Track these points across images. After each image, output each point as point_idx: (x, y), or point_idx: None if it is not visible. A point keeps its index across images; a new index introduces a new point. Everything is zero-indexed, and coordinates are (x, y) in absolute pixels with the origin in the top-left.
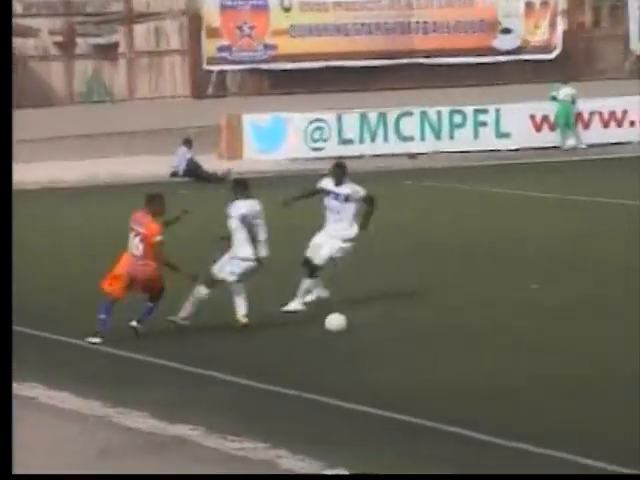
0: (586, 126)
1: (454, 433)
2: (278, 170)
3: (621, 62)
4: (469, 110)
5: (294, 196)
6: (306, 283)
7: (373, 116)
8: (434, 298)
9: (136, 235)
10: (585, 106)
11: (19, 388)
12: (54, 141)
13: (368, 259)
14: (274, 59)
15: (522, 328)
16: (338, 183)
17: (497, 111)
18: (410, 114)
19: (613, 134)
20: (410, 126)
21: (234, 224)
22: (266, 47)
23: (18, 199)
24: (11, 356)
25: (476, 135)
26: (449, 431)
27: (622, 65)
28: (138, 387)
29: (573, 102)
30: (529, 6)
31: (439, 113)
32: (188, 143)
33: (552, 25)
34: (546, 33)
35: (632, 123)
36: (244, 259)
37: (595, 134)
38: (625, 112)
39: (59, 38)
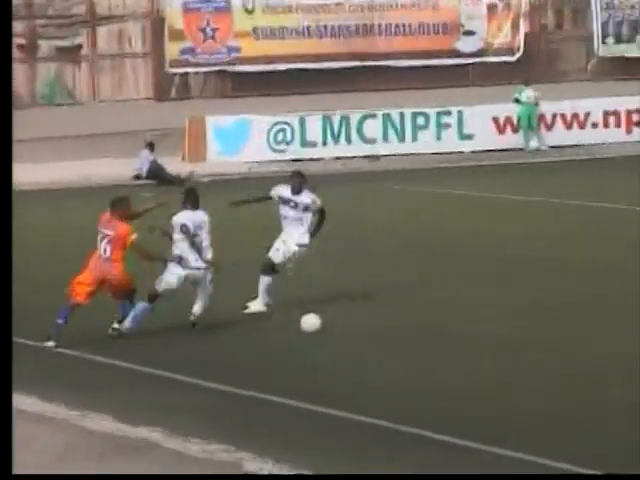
0: (549, 128)
1: (427, 437)
2: (241, 172)
3: (584, 64)
4: (432, 112)
5: (243, 199)
6: (265, 283)
7: (336, 118)
8: (404, 298)
9: (103, 237)
10: (548, 108)
11: None
12: (15, 144)
13: (335, 260)
14: (237, 61)
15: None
16: (297, 192)
17: (460, 113)
18: (373, 116)
19: (576, 136)
20: (373, 128)
21: (176, 235)
22: (229, 49)
23: None
24: (11, 358)
25: (439, 137)
26: (423, 435)
27: (585, 67)
28: (100, 390)
29: (536, 104)
30: (491, 9)
31: (402, 115)
32: (151, 146)
33: (514, 27)
34: (509, 35)
35: (594, 125)
36: (190, 268)
37: (558, 136)
38: (588, 114)
39: (21, 40)
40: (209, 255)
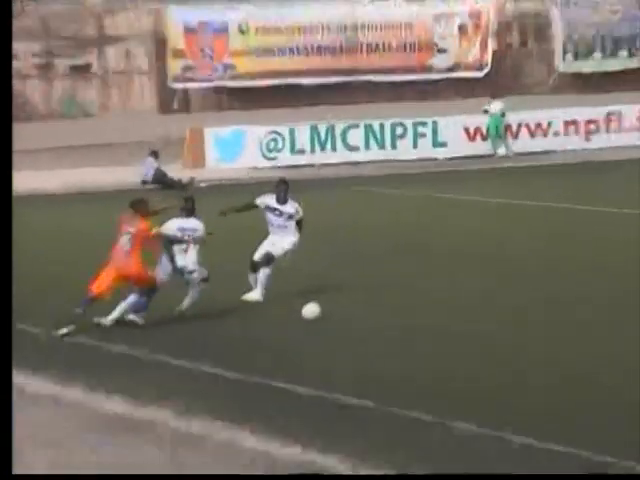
0: (515, 136)
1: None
2: (237, 177)
3: (545, 78)
4: (409, 122)
5: (230, 207)
6: (265, 274)
7: (322, 128)
8: (387, 295)
9: (125, 234)
10: (513, 118)
11: None
12: (33, 153)
13: (324, 256)
14: (233, 77)
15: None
16: (282, 201)
17: (435, 123)
18: (356, 126)
19: (539, 143)
20: (356, 137)
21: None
22: (225, 67)
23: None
24: (11, 357)
25: (415, 145)
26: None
27: (546, 81)
28: (113, 374)
29: (503, 115)
30: (462, 28)
31: (382, 125)
32: (155, 154)
33: (483, 45)
34: (478, 53)
35: (556, 133)
36: (180, 268)
37: (523, 143)
38: (550, 124)
39: (38, 60)
40: (192, 260)
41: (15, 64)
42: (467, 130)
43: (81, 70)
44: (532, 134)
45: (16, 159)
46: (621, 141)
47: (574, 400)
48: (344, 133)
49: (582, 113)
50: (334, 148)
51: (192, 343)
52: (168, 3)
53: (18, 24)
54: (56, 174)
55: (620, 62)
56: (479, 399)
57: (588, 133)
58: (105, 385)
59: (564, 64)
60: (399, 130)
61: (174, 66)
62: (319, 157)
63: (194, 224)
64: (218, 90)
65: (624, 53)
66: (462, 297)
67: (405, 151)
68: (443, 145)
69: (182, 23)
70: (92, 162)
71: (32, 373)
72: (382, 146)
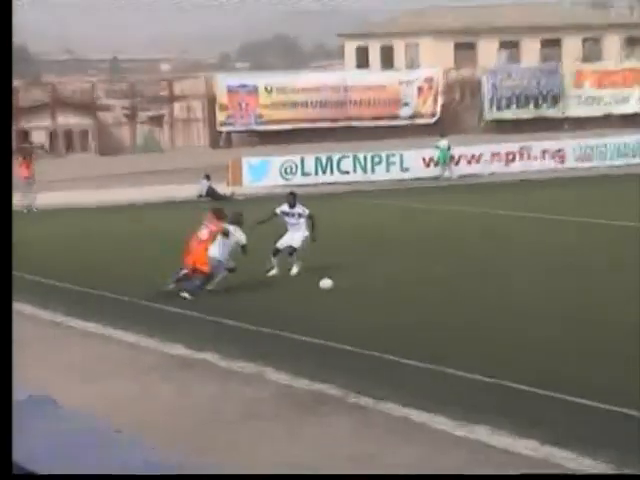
0: (456, 163)
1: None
2: (263, 193)
3: (477, 123)
4: (384, 154)
5: (258, 221)
6: (295, 258)
7: (323, 158)
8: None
9: (205, 228)
10: (456, 151)
11: (102, 328)
12: (122, 176)
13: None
14: (261, 124)
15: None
16: (292, 206)
17: (401, 155)
18: (347, 157)
19: (473, 169)
20: (347, 164)
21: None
22: (256, 116)
23: (107, 212)
24: (11, 358)
25: (388, 170)
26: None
27: (478, 125)
28: (178, 328)
29: (448, 149)
30: (420, 89)
31: (365, 157)
32: (207, 177)
33: (435, 101)
34: (431, 106)
35: (485, 161)
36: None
37: (462, 168)
38: (480, 154)
39: (127, 111)
40: (231, 264)
41: (111, 114)
42: (424, 159)
43: (156, 119)
44: (468, 162)
45: (110, 180)
46: (530, 167)
47: None
48: (339, 162)
49: (503, 147)
50: (332, 172)
51: (234, 307)
52: (216, 72)
53: (115, 87)
54: (138, 190)
55: (529, 112)
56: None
57: (507, 161)
58: (171, 336)
59: (490, 113)
60: (376, 159)
61: (220, 116)
62: (321, 178)
63: (239, 232)
64: (251, 133)
65: (531, 106)
66: (421, 275)
67: (381, 174)
68: (407, 170)
69: (226, 86)
70: (164, 182)
71: (125, 329)
72: (365, 171)
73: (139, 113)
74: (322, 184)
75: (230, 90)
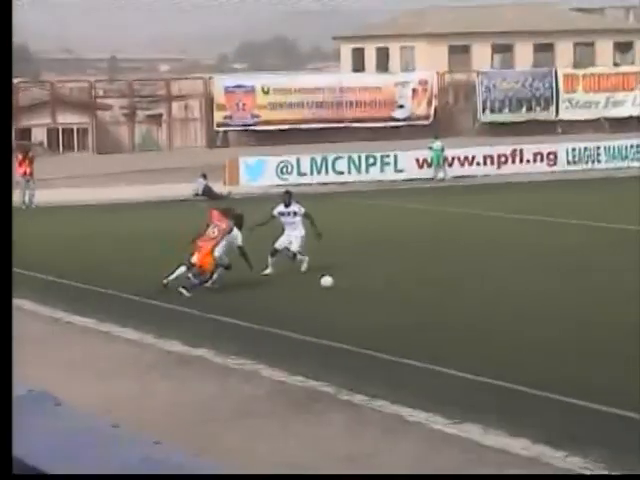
0: (450, 165)
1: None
2: (260, 192)
3: (471, 126)
4: (378, 155)
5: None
6: (301, 256)
7: (319, 158)
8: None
9: (215, 226)
10: (449, 153)
11: (100, 324)
12: (120, 174)
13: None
14: (258, 124)
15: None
16: (287, 205)
17: (396, 156)
18: (342, 157)
19: (466, 170)
20: (342, 165)
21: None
22: (253, 116)
23: (104, 210)
24: (11, 358)
25: (382, 170)
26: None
27: (472, 128)
28: (175, 325)
29: (442, 150)
30: (415, 91)
31: (359, 157)
32: (204, 176)
33: (429, 103)
34: (425, 108)
35: (478, 163)
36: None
37: (455, 170)
38: (474, 157)
39: (126, 111)
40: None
41: (110, 114)
42: (418, 160)
43: (154, 118)
44: (462, 164)
45: (108, 178)
46: (522, 169)
47: None
48: (333, 162)
49: (495, 150)
50: (327, 172)
51: (231, 304)
52: (214, 73)
53: (113, 87)
54: (135, 189)
55: (521, 116)
56: None
57: (499, 163)
58: (169, 333)
59: (483, 116)
60: (371, 160)
61: (218, 116)
62: (316, 178)
63: (236, 232)
64: (248, 132)
65: (524, 109)
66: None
67: (375, 175)
68: (401, 171)
69: (223, 86)
70: (161, 180)
71: (122, 326)
72: (359, 171)
73: (137, 112)
74: (317, 184)
75: (228, 90)
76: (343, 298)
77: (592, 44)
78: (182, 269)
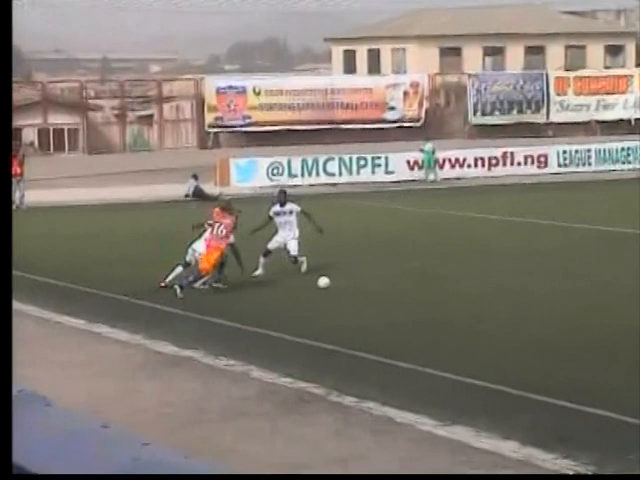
0: (441, 167)
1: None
2: (251, 193)
3: (462, 128)
4: (369, 157)
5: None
6: (302, 259)
7: (310, 160)
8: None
9: (220, 225)
10: (440, 155)
11: (90, 325)
12: (112, 175)
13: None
14: (249, 125)
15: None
16: (282, 204)
17: (387, 157)
18: (333, 159)
19: (457, 172)
20: (333, 166)
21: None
22: (244, 117)
23: (95, 211)
24: (11, 358)
25: (373, 172)
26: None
27: (463, 130)
28: (164, 326)
29: (433, 152)
30: (406, 93)
31: (350, 158)
32: (195, 176)
33: (420, 105)
34: (416, 110)
35: (469, 165)
36: None
37: (446, 172)
38: (464, 159)
39: (117, 111)
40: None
41: (101, 114)
42: (408, 162)
43: (146, 119)
44: (452, 166)
45: (99, 179)
46: (513, 171)
47: None
48: (324, 163)
49: (486, 152)
50: (318, 174)
51: (225, 305)
52: (205, 74)
53: (105, 88)
54: (126, 189)
55: (512, 118)
56: None
57: (490, 165)
58: (158, 334)
59: (474, 118)
60: (362, 162)
61: (209, 117)
62: (307, 180)
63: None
64: (239, 133)
65: (514, 112)
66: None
67: (366, 177)
68: (392, 173)
69: (215, 87)
70: (152, 181)
71: (112, 326)
72: (350, 173)
73: (128, 113)
74: (308, 185)
75: (219, 91)
76: (335, 299)
77: (583, 47)
78: (179, 269)
